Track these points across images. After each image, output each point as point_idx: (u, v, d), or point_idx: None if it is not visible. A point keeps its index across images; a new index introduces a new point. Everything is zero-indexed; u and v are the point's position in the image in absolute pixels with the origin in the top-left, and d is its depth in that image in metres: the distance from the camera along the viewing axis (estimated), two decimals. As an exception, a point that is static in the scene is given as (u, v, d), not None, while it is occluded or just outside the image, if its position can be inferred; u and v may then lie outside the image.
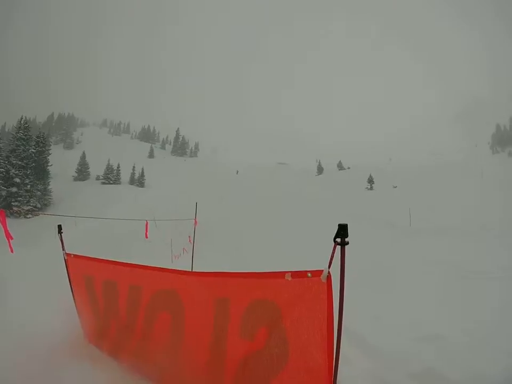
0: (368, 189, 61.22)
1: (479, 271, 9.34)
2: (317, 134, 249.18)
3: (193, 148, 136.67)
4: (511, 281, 8.07)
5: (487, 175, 52.72)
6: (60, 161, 64.70)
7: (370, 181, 62.65)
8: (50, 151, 51.85)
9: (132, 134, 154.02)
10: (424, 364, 3.84)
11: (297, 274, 2.41)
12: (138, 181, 75.23)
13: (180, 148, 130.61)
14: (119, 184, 71.94)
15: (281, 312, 2.56)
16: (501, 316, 5.41)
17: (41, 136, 49.89)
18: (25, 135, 45.91)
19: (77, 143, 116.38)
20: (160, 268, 3.45)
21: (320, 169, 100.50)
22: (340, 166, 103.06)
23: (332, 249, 2.26)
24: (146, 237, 13.23)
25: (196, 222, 11.99)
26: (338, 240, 2.25)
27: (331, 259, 2.28)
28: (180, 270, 3.29)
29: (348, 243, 2.27)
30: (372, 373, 3.81)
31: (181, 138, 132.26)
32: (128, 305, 3.75)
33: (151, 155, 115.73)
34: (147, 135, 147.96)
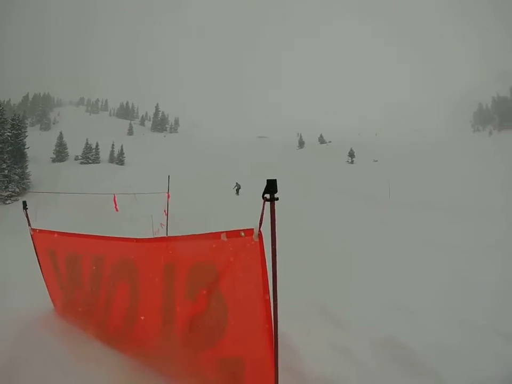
0: (349, 163, 61.64)
1: (452, 245, 9.61)
2: (299, 108, 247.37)
3: (173, 123, 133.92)
4: (483, 255, 8.34)
5: (467, 152, 53.50)
6: (37, 143, 63.35)
7: (351, 154, 63.01)
8: (26, 133, 50.50)
9: (110, 111, 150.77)
10: (386, 333, 3.98)
11: (231, 234, 2.43)
12: (117, 159, 73.89)
13: (160, 123, 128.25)
14: (98, 163, 70.59)
15: (218, 274, 2.62)
16: (470, 289, 5.63)
17: (17, 118, 48.29)
18: (0, 118, 44.76)
19: (54, 124, 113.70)
20: (120, 237, 3.50)
21: (301, 143, 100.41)
22: (321, 140, 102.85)
23: (262, 206, 2.23)
24: (117, 210, 13.40)
25: (168, 196, 12.21)
26: (267, 196, 2.23)
27: (261, 216, 2.26)
28: (135, 238, 3.30)
29: (277, 199, 2.26)
30: (334, 341, 3.91)
31: (160, 114, 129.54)
32: (92, 276, 3.81)
33: (130, 132, 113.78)
34: (126, 112, 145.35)
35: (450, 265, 7.35)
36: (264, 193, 2.24)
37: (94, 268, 3.75)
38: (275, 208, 2.28)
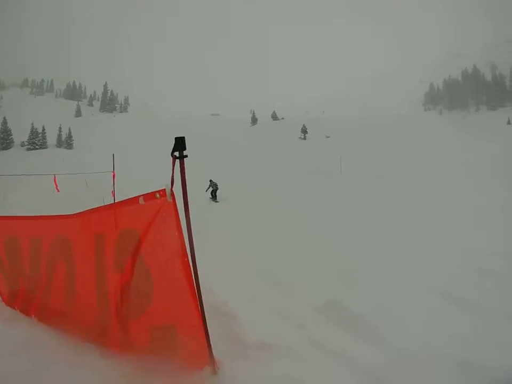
0: (302, 139, 62.55)
1: (399, 213, 10.02)
2: (251, 85, 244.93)
3: (122, 103, 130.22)
4: (429, 222, 8.73)
5: (418, 129, 55.23)
6: (-20, 133, 60.77)
7: (304, 131, 63.88)
8: (-33, 123, 48.03)
9: (57, 92, 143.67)
10: (331, 297, 4.07)
11: (148, 197, 2.41)
12: (66, 142, 72.69)
13: (109, 103, 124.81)
14: (46, 148, 68.68)
15: (140, 239, 2.58)
16: (415, 253, 5.93)
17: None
18: None
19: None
20: (55, 215, 3.46)
21: (254, 120, 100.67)
22: (274, 117, 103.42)
23: (172, 164, 2.25)
24: (58, 191, 13.04)
25: (114, 175, 12.00)
26: (177, 154, 2.25)
27: (172, 175, 2.25)
28: (69, 215, 3.25)
29: (186, 156, 2.29)
30: (277, 308, 3.98)
31: (109, 93, 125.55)
32: (31, 259, 3.71)
33: (78, 114, 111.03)
34: (73, 93, 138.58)
35: (397, 233, 7.67)
36: (173, 151, 2.24)
37: (33, 250, 3.66)
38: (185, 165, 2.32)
